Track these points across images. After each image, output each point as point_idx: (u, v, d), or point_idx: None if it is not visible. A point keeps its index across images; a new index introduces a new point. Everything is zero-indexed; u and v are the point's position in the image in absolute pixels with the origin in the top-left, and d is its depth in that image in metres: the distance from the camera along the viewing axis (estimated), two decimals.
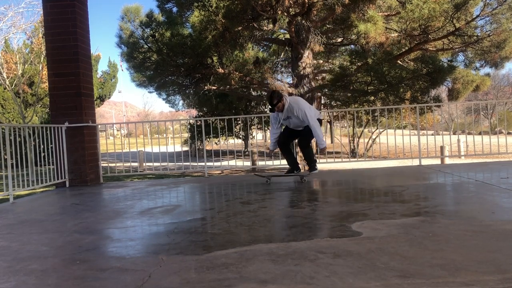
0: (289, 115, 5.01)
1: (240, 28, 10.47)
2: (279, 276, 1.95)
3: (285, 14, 9.92)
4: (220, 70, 11.62)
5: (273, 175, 5.84)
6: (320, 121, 5.18)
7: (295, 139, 5.71)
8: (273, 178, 5.57)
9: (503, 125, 29.50)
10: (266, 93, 10.94)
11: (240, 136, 25.21)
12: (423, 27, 10.30)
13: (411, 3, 9.81)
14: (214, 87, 12.69)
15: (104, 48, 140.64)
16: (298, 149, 11.66)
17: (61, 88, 5.88)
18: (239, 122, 21.74)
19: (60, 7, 5.85)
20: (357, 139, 20.48)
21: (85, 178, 5.99)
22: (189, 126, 23.50)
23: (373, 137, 19.94)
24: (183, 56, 11.64)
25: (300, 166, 6.02)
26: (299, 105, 4.98)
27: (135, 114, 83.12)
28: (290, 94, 12.04)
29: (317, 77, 13.73)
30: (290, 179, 5.44)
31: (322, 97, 13.85)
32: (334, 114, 19.68)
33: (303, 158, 5.73)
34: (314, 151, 6.33)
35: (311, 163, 5.35)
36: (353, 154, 18.22)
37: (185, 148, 25.71)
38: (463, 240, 2.38)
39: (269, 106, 5.01)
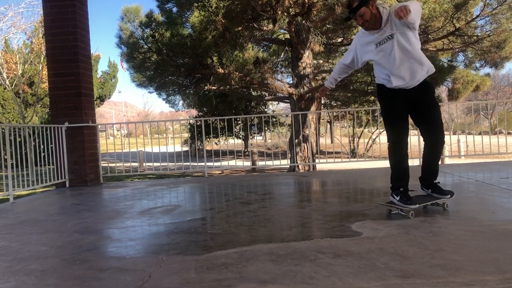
0: (392, 32, 2.91)
1: (240, 28, 10.47)
2: (279, 276, 1.95)
3: (285, 14, 9.91)
4: (220, 70, 11.62)
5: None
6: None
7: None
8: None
9: (503, 125, 29.49)
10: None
11: (240, 136, 25.21)
12: (423, 27, 10.30)
13: None
14: (214, 87, 12.69)
15: (104, 48, 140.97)
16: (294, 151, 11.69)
17: (61, 88, 5.89)
18: (239, 122, 21.74)
19: (60, 7, 5.85)
20: (357, 139, 20.49)
21: (85, 178, 5.99)
22: (189, 126, 23.50)
23: (373, 137, 19.94)
24: (183, 56, 11.64)
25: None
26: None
27: (135, 114, 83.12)
28: (290, 95, 12.02)
29: (317, 77, 13.73)
30: (286, 180, 5.42)
31: (322, 97, 13.83)
32: (334, 114, 19.70)
33: (426, 160, 3.40)
34: None
35: (435, 175, 3.26)
36: (353, 154, 18.21)
37: (185, 148, 25.71)
38: (463, 240, 2.38)
39: (347, 14, 3.05)
